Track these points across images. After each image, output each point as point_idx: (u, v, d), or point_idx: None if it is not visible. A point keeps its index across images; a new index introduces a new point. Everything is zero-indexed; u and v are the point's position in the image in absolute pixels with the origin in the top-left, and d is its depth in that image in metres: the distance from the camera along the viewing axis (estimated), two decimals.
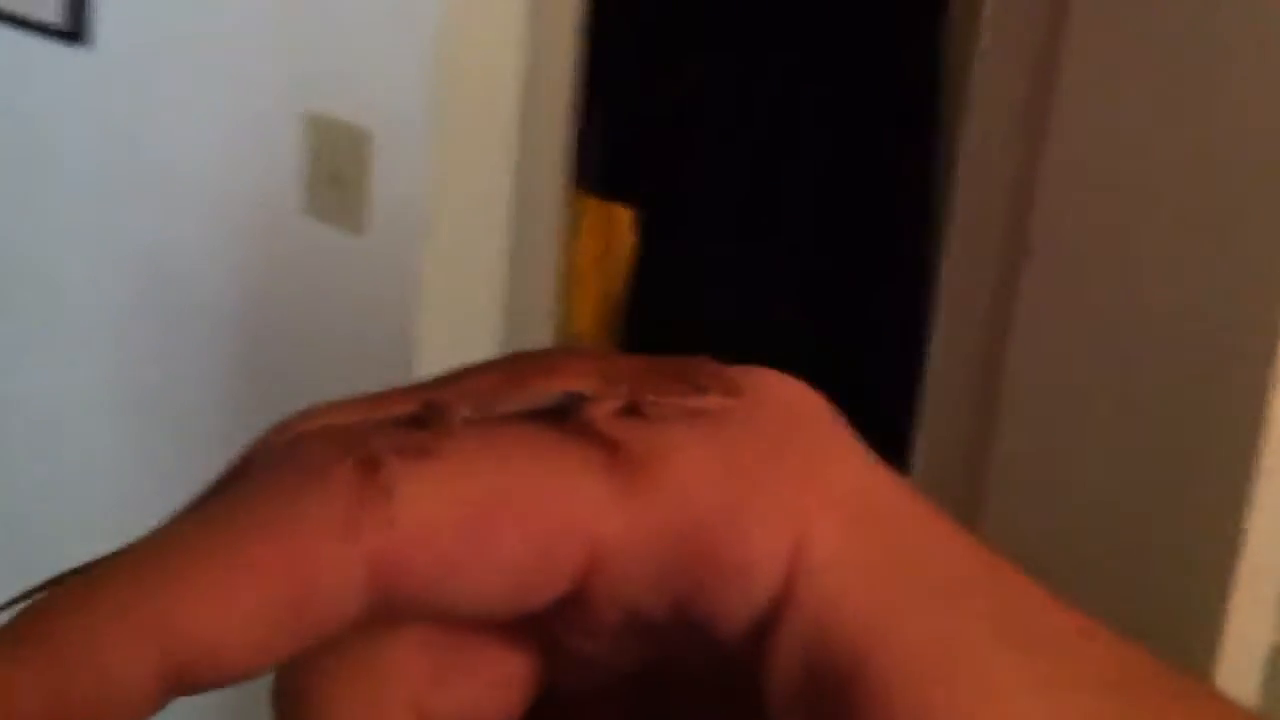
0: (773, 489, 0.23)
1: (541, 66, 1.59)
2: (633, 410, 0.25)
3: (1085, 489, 1.05)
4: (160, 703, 0.20)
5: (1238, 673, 1.02)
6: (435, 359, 1.58)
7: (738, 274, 2.05)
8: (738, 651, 0.23)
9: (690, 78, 2.05)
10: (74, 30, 1.98)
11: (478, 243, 1.63)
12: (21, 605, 0.20)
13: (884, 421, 1.85)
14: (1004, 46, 1.07)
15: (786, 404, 0.25)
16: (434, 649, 0.24)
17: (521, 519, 0.22)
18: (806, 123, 2.02)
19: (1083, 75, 1.03)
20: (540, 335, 1.69)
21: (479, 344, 1.62)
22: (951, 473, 1.11)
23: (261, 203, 1.76)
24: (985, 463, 1.10)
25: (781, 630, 0.22)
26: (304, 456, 0.22)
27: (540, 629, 0.24)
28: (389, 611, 0.22)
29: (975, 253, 1.09)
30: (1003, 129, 1.07)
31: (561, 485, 0.22)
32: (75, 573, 0.20)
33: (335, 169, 1.63)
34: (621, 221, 2.10)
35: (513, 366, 0.26)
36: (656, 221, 2.10)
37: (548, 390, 0.25)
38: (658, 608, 0.23)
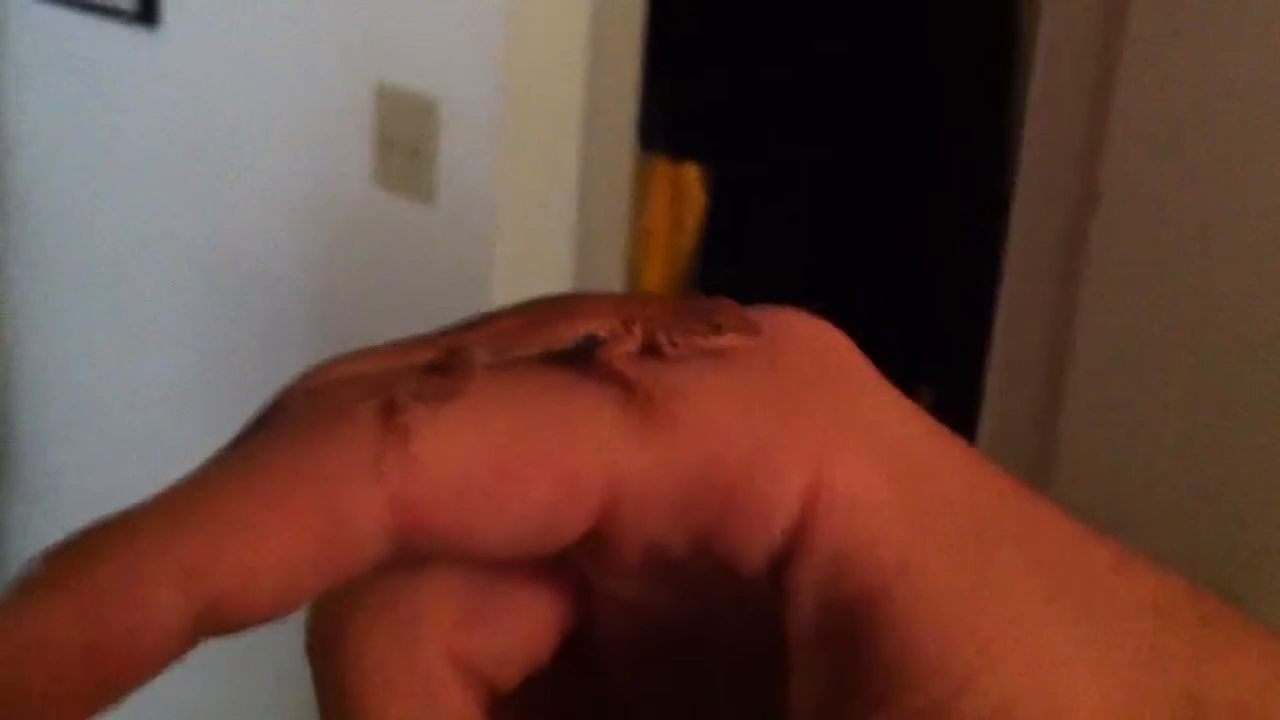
0: (792, 425, 0.23)
1: (608, 32, 1.59)
2: (651, 351, 0.25)
3: (1156, 439, 1.04)
4: (192, 640, 0.20)
5: None
6: None
7: (809, 231, 2.04)
8: (760, 590, 0.23)
9: (757, 34, 2.03)
10: (144, 12, 2.01)
11: (547, 209, 1.63)
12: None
13: (955, 373, 1.85)
14: None
15: (807, 343, 0.25)
16: (464, 590, 0.24)
17: (540, 458, 0.22)
18: (876, 75, 2.00)
19: (1153, 18, 1.01)
20: None
21: None
22: (1022, 422, 1.11)
23: (332, 176, 1.77)
24: (1055, 414, 1.09)
25: (799, 565, 0.22)
26: (328, 402, 0.23)
27: (568, 571, 0.25)
28: (414, 551, 0.22)
29: (1045, 201, 1.08)
30: (1072, 75, 1.06)
31: (581, 424, 0.23)
32: (103, 520, 0.21)
33: (405, 139, 1.64)
34: (691, 181, 2.09)
35: (532, 311, 0.26)
36: (726, 179, 2.09)
37: (567, 333, 0.25)
38: (680, 543, 0.23)
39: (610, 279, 1.69)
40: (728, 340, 0.24)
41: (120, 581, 0.19)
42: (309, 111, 1.80)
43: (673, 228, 2.08)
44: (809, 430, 0.23)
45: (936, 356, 1.92)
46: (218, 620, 0.20)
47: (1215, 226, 1.03)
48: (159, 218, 2.11)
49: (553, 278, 1.65)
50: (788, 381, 0.23)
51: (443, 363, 0.24)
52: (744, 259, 2.07)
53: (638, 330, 0.25)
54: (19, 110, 2.41)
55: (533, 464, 0.22)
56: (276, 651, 2.00)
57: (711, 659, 0.26)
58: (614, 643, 0.26)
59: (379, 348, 0.25)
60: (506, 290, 1.61)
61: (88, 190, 2.27)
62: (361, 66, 1.70)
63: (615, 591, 0.25)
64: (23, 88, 2.39)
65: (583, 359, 0.24)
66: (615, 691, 0.26)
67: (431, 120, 1.61)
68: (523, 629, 0.25)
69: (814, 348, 0.24)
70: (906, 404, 0.24)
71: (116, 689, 0.20)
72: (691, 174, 2.10)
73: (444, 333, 0.26)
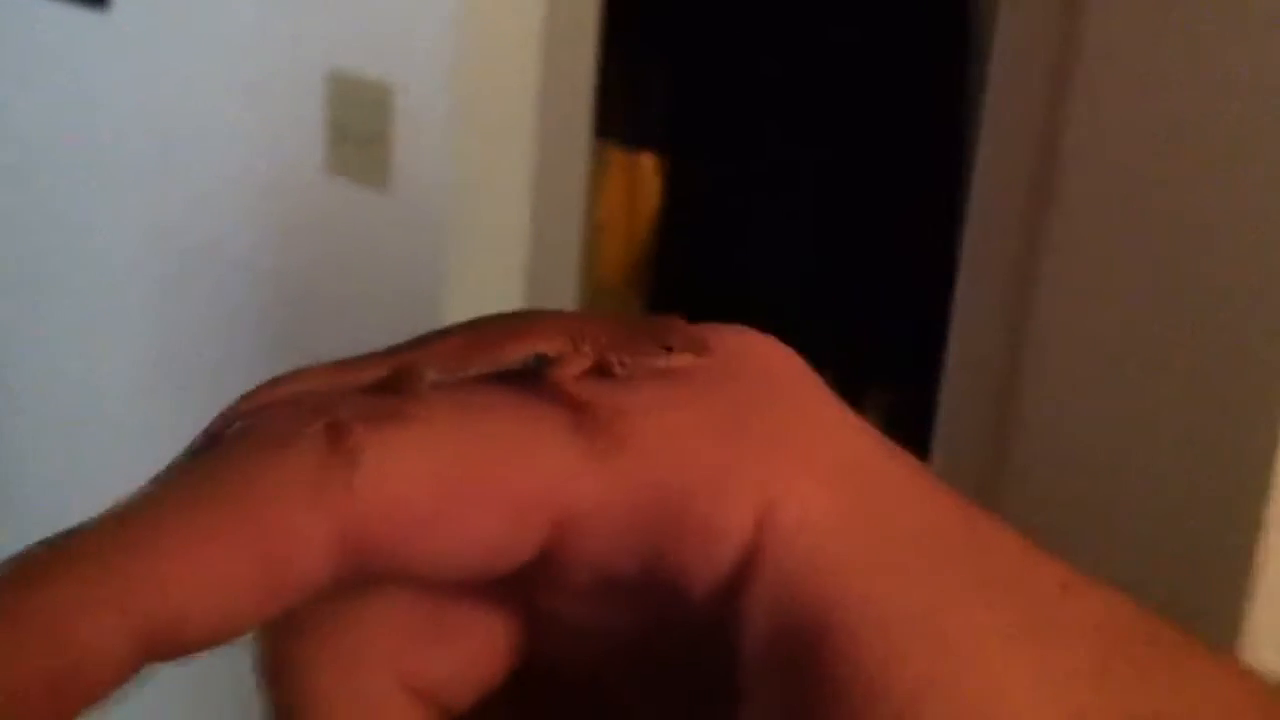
0: (741, 448, 0.23)
1: (564, 19, 1.58)
2: (601, 371, 0.25)
3: (1111, 443, 1.05)
4: (135, 668, 0.20)
5: (1262, 646, 1.01)
6: (462, 313, 1.58)
7: (764, 222, 2.04)
8: (710, 616, 0.23)
9: (712, 23, 2.03)
10: None
11: (502, 197, 1.62)
12: None
13: (908, 372, 1.85)
14: None
15: (759, 363, 0.25)
16: (411, 613, 0.24)
17: (489, 482, 0.22)
18: (833, 68, 2.00)
19: (1110, 18, 1.02)
20: (566, 288, 1.69)
21: (505, 298, 1.62)
22: (976, 423, 1.11)
23: (286, 163, 1.76)
24: (1010, 416, 1.09)
25: (749, 591, 0.22)
26: (271, 424, 0.22)
27: (517, 595, 0.24)
28: (360, 576, 0.22)
29: (1001, 202, 1.08)
30: (1028, 73, 1.06)
31: (529, 447, 0.22)
32: (43, 545, 0.20)
33: (358, 126, 1.63)
34: (647, 170, 2.09)
35: (480, 329, 0.26)
36: (682, 169, 2.09)
37: (516, 352, 0.25)
38: (629, 568, 0.23)
39: (565, 267, 1.69)
40: (678, 360, 0.24)
41: (61, 610, 0.19)
42: (261, 97, 1.78)
43: (628, 216, 2.07)
44: (759, 453, 0.23)
45: (895, 355, 1.93)
46: (160, 648, 0.20)
47: (1174, 224, 1.03)
48: (109, 204, 2.09)
49: (507, 265, 1.64)
50: (738, 402, 0.23)
51: (390, 382, 0.24)
52: (698, 249, 2.07)
53: (588, 350, 0.25)
54: None
55: (480, 489, 0.22)
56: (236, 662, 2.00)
57: (671, 678, 0.25)
58: (562, 660, 0.25)
59: (324, 365, 0.25)
60: (461, 277, 1.60)
61: (36, 178, 2.24)
62: (314, 52, 1.69)
63: (564, 613, 0.24)
64: None
65: (532, 379, 0.24)
66: (565, 709, 0.26)
67: (385, 107, 1.60)
68: (472, 650, 0.24)
69: (764, 367, 0.24)
70: (856, 422, 0.24)
71: (59, 718, 0.19)
72: (648, 162, 2.10)
73: (391, 350, 0.25)
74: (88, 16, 2.01)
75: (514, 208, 1.63)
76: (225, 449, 0.22)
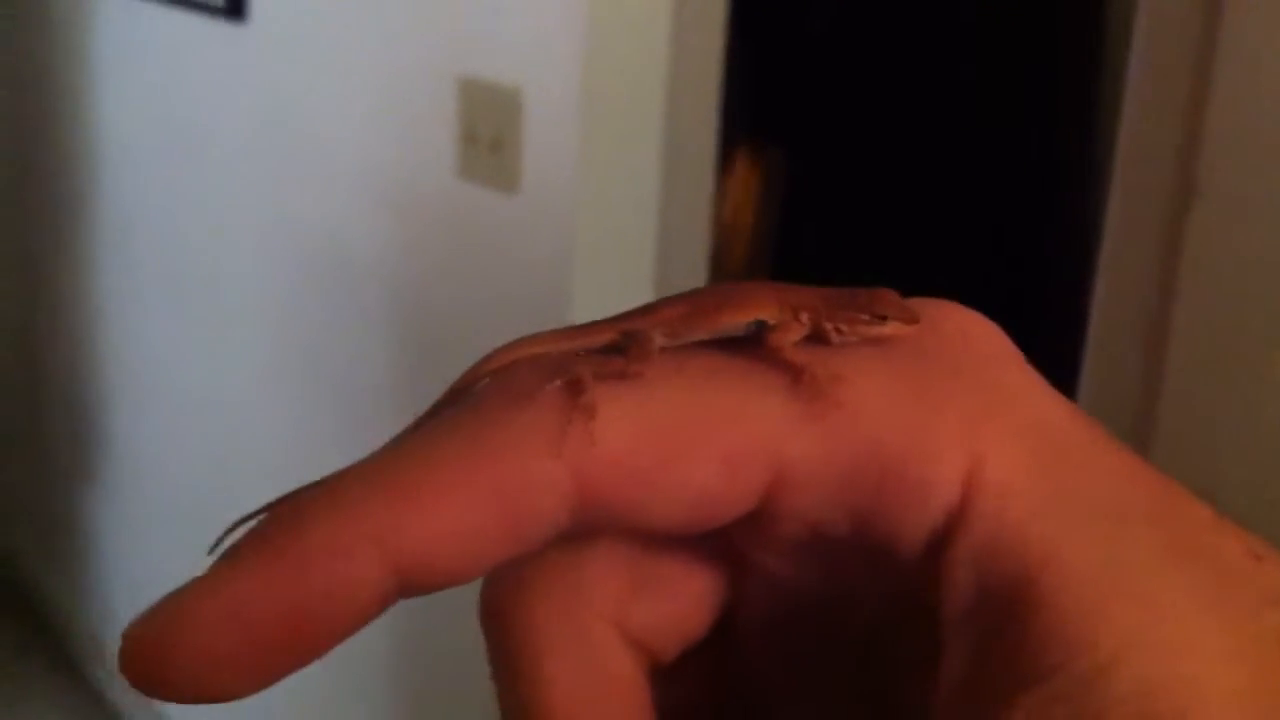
0: (951, 412, 0.24)
1: (691, 20, 1.58)
2: (817, 338, 0.26)
3: (1254, 448, 1.03)
4: (386, 603, 0.22)
5: None
6: (589, 315, 1.59)
7: (888, 213, 2.03)
8: (913, 572, 0.24)
9: (833, 14, 2.02)
10: (231, 6, 2.03)
11: (630, 199, 1.63)
12: (257, 518, 0.22)
13: (1046, 365, 1.82)
14: None
15: (964, 333, 0.26)
16: (628, 564, 0.25)
17: (712, 438, 0.23)
18: (957, 57, 1.98)
19: (1252, 6, 0.99)
20: (694, 286, 1.69)
21: (633, 299, 1.62)
22: (1118, 416, 1.09)
23: (416, 168, 1.78)
24: (1149, 421, 1.07)
25: (956, 547, 0.23)
26: (514, 382, 0.24)
27: (727, 550, 0.26)
28: (590, 525, 0.23)
29: (1141, 199, 1.06)
30: (1170, 65, 1.04)
31: (749, 407, 0.24)
32: (311, 487, 0.22)
33: (487, 131, 1.65)
34: (770, 164, 2.09)
35: (703, 298, 0.27)
36: (804, 161, 2.08)
37: (736, 319, 0.26)
38: (839, 524, 0.24)
39: (693, 269, 1.69)
40: (890, 329, 0.26)
41: (326, 547, 0.21)
42: (393, 104, 1.81)
43: (752, 209, 2.07)
44: (965, 417, 0.24)
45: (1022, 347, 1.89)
46: (411, 583, 0.21)
47: None
48: (245, 212, 2.13)
49: (635, 268, 1.65)
50: (946, 369, 0.25)
51: (620, 345, 0.26)
52: (820, 241, 2.06)
53: (804, 318, 0.26)
54: (107, 105, 2.45)
55: (704, 444, 0.23)
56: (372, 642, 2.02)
57: (844, 650, 0.27)
58: (754, 624, 0.27)
59: (559, 330, 0.27)
60: (588, 281, 1.61)
61: (175, 185, 2.30)
62: (445, 58, 1.71)
63: (768, 569, 0.26)
64: (110, 83, 2.43)
65: (752, 344, 0.26)
66: (751, 668, 0.27)
67: (514, 111, 1.61)
68: (682, 602, 0.26)
69: (968, 336, 0.25)
70: (1054, 393, 0.25)
71: (317, 647, 0.21)
72: (772, 158, 2.09)
73: (619, 318, 0.27)
74: (226, 28, 2.06)
75: (642, 210, 1.64)
76: (473, 402, 0.23)
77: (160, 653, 0.20)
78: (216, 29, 2.08)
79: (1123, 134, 1.07)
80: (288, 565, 0.21)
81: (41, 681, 2.80)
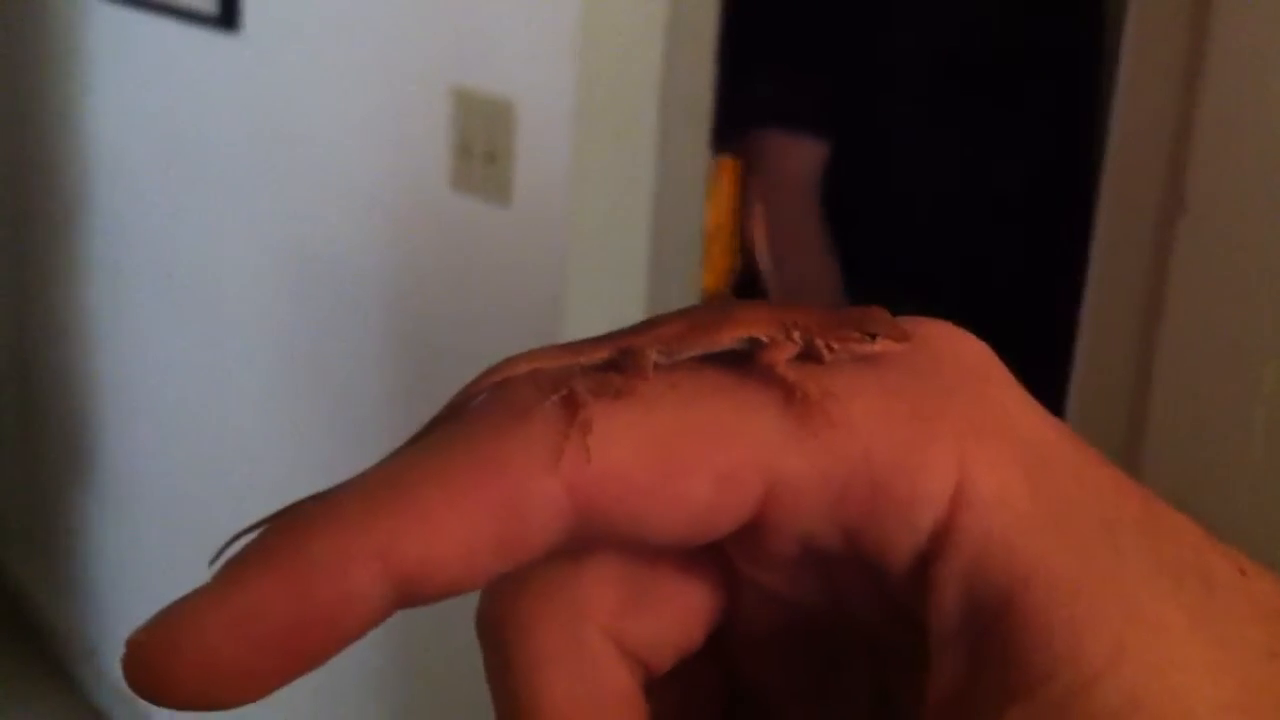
0: (941, 428, 0.24)
1: (683, 34, 1.59)
2: (808, 355, 0.27)
3: (1243, 449, 1.03)
4: (387, 613, 0.22)
5: None
6: (582, 326, 1.60)
7: (866, 224, 2.02)
8: (903, 585, 0.24)
9: (820, 32, 2.02)
10: (224, 16, 2.03)
11: (623, 211, 1.64)
12: (258, 530, 0.23)
13: (1035, 379, 1.82)
14: None
15: (955, 351, 0.26)
16: (623, 578, 0.26)
17: (707, 453, 0.24)
18: (949, 78, 1.98)
19: (1239, 23, 1.00)
20: (686, 300, 1.69)
21: (625, 311, 1.63)
22: (1105, 432, 1.10)
23: (410, 179, 1.78)
24: (1141, 422, 1.08)
25: (944, 562, 0.23)
26: (511, 397, 0.25)
27: (720, 562, 0.26)
28: (586, 539, 0.24)
29: (1130, 211, 1.07)
30: (1157, 79, 1.05)
31: (744, 423, 0.24)
32: (311, 499, 0.23)
33: (481, 142, 1.65)
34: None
35: (697, 315, 0.28)
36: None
37: (730, 336, 0.27)
38: (831, 538, 0.24)
39: (685, 280, 1.69)
40: (880, 346, 0.26)
41: (328, 560, 0.21)
42: (387, 115, 1.81)
43: (733, 223, 2.07)
44: (956, 433, 0.24)
45: (1014, 366, 1.89)
46: (411, 595, 0.22)
47: None
48: (237, 222, 2.13)
49: (628, 280, 1.65)
50: (936, 387, 0.25)
51: (616, 362, 0.26)
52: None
53: (797, 336, 0.27)
54: (98, 114, 2.45)
55: (699, 460, 0.23)
56: (364, 654, 2.01)
57: (842, 653, 0.27)
58: (752, 633, 0.27)
59: (556, 346, 0.27)
60: (582, 293, 1.62)
61: (169, 194, 2.30)
62: (439, 70, 1.71)
63: (762, 582, 0.26)
64: (101, 91, 2.43)
65: (745, 362, 0.26)
66: (747, 675, 0.28)
67: (508, 123, 1.62)
68: (678, 615, 0.26)
69: (958, 355, 0.26)
70: (1043, 411, 0.26)
71: (319, 655, 0.22)
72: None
73: (615, 334, 0.28)
74: (219, 38, 2.06)
75: (635, 222, 1.64)
76: (471, 417, 0.24)
77: (164, 659, 0.21)
78: (209, 39, 2.08)
79: (1110, 148, 1.08)
80: (291, 577, 0.21)
81: (32, 689, 2.79)
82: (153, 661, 0.21)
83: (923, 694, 0.24)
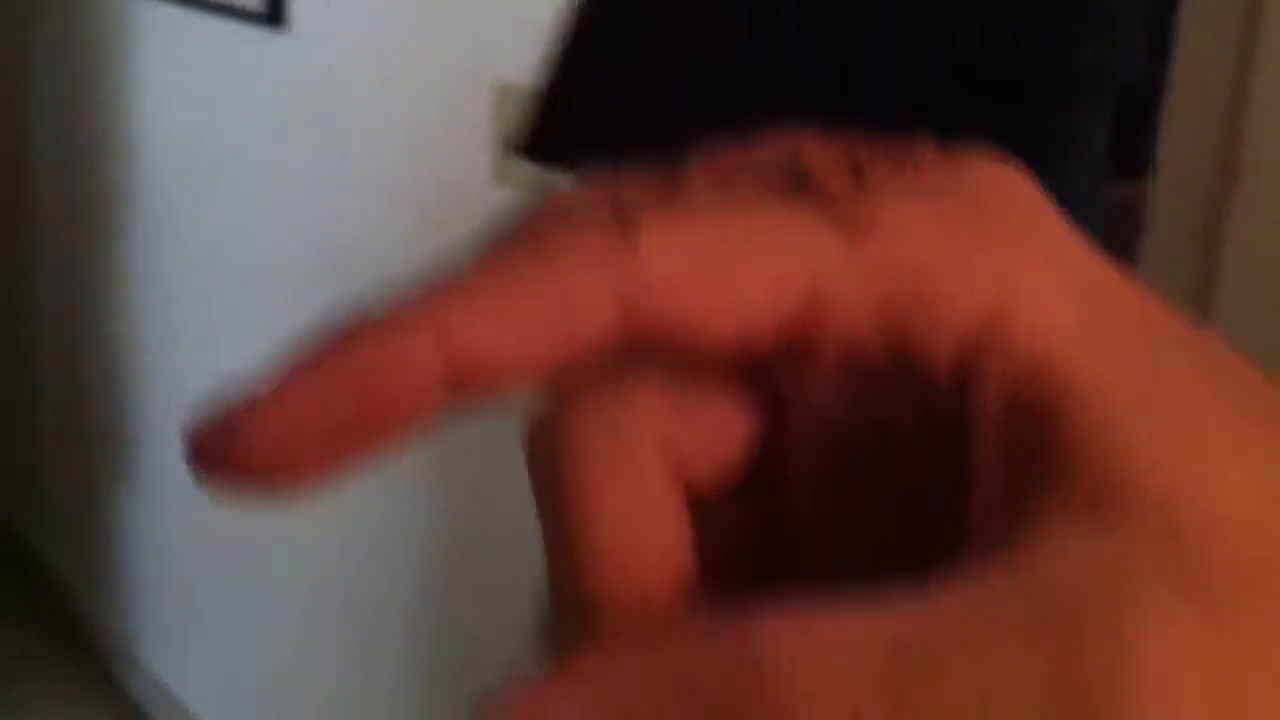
0: (989, 241, 0.24)
1: None
2: (853, 174, 0.27)
3: None
4: (439, 399, 0.23)
5: None
6: None
7: None
8: (946, 395, 0.24)
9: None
10: (270, 14, 2.04)
11: None
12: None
13: None
14: None
15: (996, 178, 0.26)
16: (667, 387, 0.26)
17: (754, 257, 0.24)
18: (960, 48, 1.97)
19: None
20: None
21: None
22: None
23: (453, 175, 1.79)
24: None
25: (986, 365, 0.24)
26: (562, 206, 0.25)
27: (764, 386, 0.26)
28: (632, 341, 0.24)
29: (1186, 174, 1.06)
30: (1214, 50, 1.04)
31: (790, 230, 0.24)
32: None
33: None
34: None
35: (744, 143, 0.28)
36: None
37: (774, 159, 0.27)
38: (876, 345, 0.24)
39: None
40: (926, 170, 0.26)
41: (390, 324, 0.22)
42: (430, 111, 1.82)
43: None
44: (999, 243, 0.24)
45: None
46: (466, 377, 0.22)
47: None
48: (280, 218, 2.15)
49: None
50: (981, 207, 0.25)
51: (665, 180, 0.26)
52: None
53: (845, 160, 0.27)
54: (146, 112, 2.47)
55: (747, 262, 0.24)
56: (398, 642, 2.02)
57: (888, 477, 0.27)
58: (795, 456, 0.27)
59: (606, 175, 0.27)
60: None
61: (212, 191, 2.31)
62: (481, 65, 1.72)
63: (808, 400, 0.26)
64: (147, 88, 2.45)
65: (790, 179, 0.26)
66: (789, 510, 0.28)
67: None
68: (718, 427, 0.26)
69: (1002, 182, 0.26)
70: (1091, 245, 0.26)
71: (380, 428, 0.22)
72: None
73: (660, 164, 0.28)
74: (266, 35, 2.08)
75: None
76: (521, 223, 0.24)
77: (231, 425, 0.21)
78: (256, 36, 2.10)
79: (1166, 115, 1.07)
80: (354, 340, 0.22)
81: (71, 683, 2.81)
82: (219, 429, 0.21)
83: (962, 519, 0.24)
